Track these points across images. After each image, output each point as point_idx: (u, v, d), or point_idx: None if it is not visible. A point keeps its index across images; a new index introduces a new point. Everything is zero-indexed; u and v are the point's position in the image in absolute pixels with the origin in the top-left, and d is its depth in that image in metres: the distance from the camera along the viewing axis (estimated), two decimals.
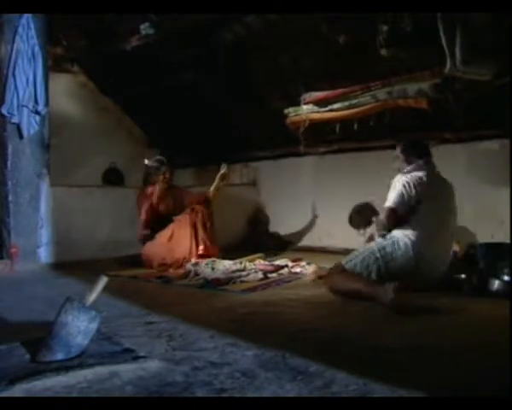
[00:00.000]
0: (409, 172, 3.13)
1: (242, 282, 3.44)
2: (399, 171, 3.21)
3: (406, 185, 3.04)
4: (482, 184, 4.17)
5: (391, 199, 3.05)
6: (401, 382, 1.50)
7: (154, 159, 4.81)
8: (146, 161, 6.07)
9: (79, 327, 1.70)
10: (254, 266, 3.99)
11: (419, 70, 3.86)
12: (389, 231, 3.09)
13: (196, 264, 3.95)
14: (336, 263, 3.14)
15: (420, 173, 3.11)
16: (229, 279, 3.46)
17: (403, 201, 3.02)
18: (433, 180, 3.14)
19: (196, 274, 3.72)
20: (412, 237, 2.96)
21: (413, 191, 3.02)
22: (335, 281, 2.99)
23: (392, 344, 1.98)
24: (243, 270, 3.81)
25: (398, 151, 3.27)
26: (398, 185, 3.07)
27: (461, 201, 4.28)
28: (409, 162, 3.17)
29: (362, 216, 3.68)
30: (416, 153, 3.20)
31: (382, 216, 3.12)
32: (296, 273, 3.78)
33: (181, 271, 3.93)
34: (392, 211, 3.03)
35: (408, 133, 4.44)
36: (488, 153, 4.18)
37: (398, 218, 3.03)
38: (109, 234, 4.88)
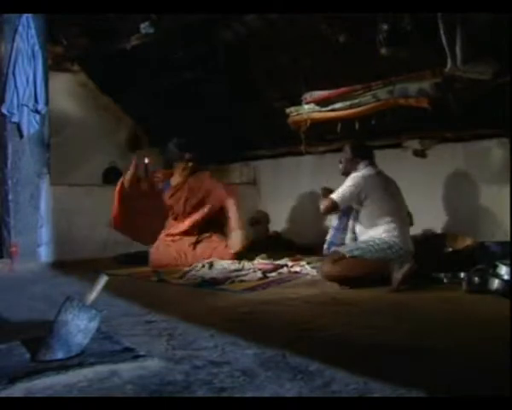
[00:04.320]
0: (357, 170, 3.47)
1: (241, 281, 3.44)
2: (344, 173, 3.55)
3: (356, 182, 3.36)
4: (482, 183, 4.17)
5: (338, 192, 3.36)
6: (401, 381, 1.50)
7: (175, 142, 4.46)
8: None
9: (79, 326, 1.70)
10: (253, 265, 3.99)
11: (420, 69, 3.86)
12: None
13: (195, 268, 3.93)
14: (333, 253, 3.35)
15: (364, 171, 3.44)
16: (226, 278, 3.46)
17: (349, 196, 3.34)
18: (385, 178, 3.50)
19: (193, 274, 3.72)
20: (396, 239, 3.25)
21: (363, 187, 3.34)
22: (341, 267, 3.17)
23: (392, 344, 1.98)
24: (242, 269, 3.80)
25: (346, 153, 3.59)
26: (348, 181, 3.39)
27: (461, 200, 4.30)
28: (356, 163, 3.51)
29: None
30: (363, 154, 3.54)
31: (323, 204, 3.39)
32: (296, 273, 3.77)
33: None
34: (333, 203, 3.33)
35: (409, 133, 4.45)
36: (488, 152, 4.18)
37: (335, 209, 3.38)
38: (109, 233, 4.88)
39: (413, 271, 3.04)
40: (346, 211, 3.49)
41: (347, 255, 3.22)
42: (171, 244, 4.33)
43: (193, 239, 4.35)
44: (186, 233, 4.40)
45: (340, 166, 3.63)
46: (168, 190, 4.51)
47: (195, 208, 4.43)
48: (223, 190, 4.46)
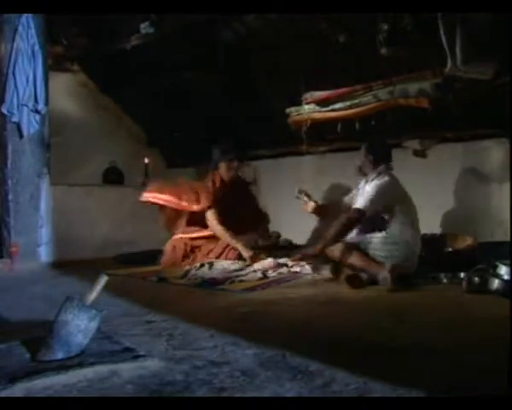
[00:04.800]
0: (377, 176, 3.39)
1: (241, 281, 3.43)
2: (361, 173, 3.50)
3: (380, 190, 3.28)
4: (482, 183, 4.17)
5: (361, 201, 3.28)
6: (401, 381, 1.50)
7: (217, 144, 4.45)
8: (146, 160, 6.07)
9: (79, 326, 1.70)
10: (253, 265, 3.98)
11: (420, 69, 3.86)
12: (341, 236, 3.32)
13: (195, 267, 3.92)
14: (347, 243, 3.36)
15: (387, 178, 3.35)
16: (226, 279, 3.46)
17: (374, 205, 3.26)
18: (398, 182, 3.43)
19: (194, 274, 3.71)
20: (406, 237, 3.26)
21: (385, 196, 3.29)
22: (338, 251, 3.27)
23: (392, 344, 1.98)
24: (242, 269, 3.80)
25: (364, 153, 3.48)
26: (372, 190, 3.29)
27: (461, 200, 4.30)
28: (375, 166, 3.42)
29: None
30: (383, 156, 3.46)
31: (346, 217, 3.31)
32: (296, 273, 3.77)
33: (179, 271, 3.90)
34: (360, 212, 3.25)
35: (409, 133, 4.46)
36: (488, 152, 4.18)
37: (362, 217, 3.26)
38: (109, 233, 4.89)
39: (399, 268, 3.06)
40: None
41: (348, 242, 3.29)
42: (191, 248, 4.28)
43: (212, 246, 4.32)
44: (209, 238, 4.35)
45: (356, 165, 3.56)
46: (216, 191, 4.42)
47: (233, 210, 4.42)
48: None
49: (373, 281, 3.15)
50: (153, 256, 4.31)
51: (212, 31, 4.86)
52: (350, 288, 3.10)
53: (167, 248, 4.27)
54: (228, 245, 4.30)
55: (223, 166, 4.42)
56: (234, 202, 4.42)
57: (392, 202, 3.31)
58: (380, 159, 3.43)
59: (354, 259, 3.24)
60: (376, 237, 3.29)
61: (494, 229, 4.02)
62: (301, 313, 2.56)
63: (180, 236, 4.32)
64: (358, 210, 3.26)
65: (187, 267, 3.88)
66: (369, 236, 3.34)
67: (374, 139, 3.63)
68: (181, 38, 4.94)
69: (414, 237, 3.32)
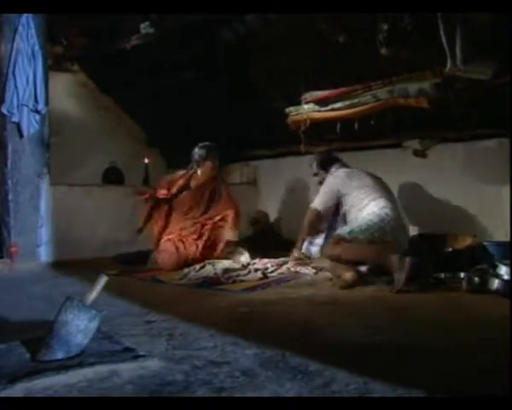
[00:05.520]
0: (329, 175, 3.89)
1: (242, 281, 3.44)
2: (320, 183, 3.95)
3: (329, 183, 3.78)
4: (482, 183, 4.17)
5: (316, 200, 3.79)
6: (401, 381, 1.50)
7: (201, 145, 4.52)
8: (146, 160, 6.06)
9: (79, 326, 1.70)
10: (253, 265, 3.98)
11: (419, 69, 3.86)
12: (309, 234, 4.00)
13: (195, 269, 3.91)
14: (334, 237, 3.49)
15: (340, 170, 3.85)
16: (227, 278, 3.46)
17: (327, 198, 3.75)
18: (360, 171, 3.82)
19: (194, 275, 3.71)
20: (388, 211, 3.44)
21: (338, 184, 3.70)
22: (341, 249, 3.30)
23: (392, 344, 1.98)
24: (242, 269, 3.80)
25: (314, 165, 4.07)
26: (323, 187, 3.83)
27: (461, 200, 4.30)
28: (326, 171, 3.94)
29: None
30: (329, 162, 3.97)
31: (305, 219, 3.86)
32: (296, 273, 3.77)
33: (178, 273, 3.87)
34: (315, 211, 3.78)
35: (409, 133, 4.45)
36: (488, 152, 4.18)
37: (319, 217, 3.80)
38: (109, 233, 4.88)
39: (415, 266, 2.99)
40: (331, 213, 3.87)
41: (347, 237, 3.34)
42: (180, 245, 4.21)
43: (197, 234, 4.28)
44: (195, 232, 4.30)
45: (315, 178, 4.08)
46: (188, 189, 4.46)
47: (210, 208, 4.43)
48: (228, 202, 4.51)
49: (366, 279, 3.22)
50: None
51: (212, 31, 4.86)
52: (342, 288, 3.11)
53: (161, 252, 4.17)
54: (201, 224, 4.30)
55: (209, 165, 4.46)
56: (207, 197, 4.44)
57: (348, 187, 3.64)
58: (328, 164, 3.96)
59: (357, 253, 3.27)
60: (363, 222, 3.41)
61: (494, 229, 4.02)
62: (301, 313, 2.56)
63: (168, 237, 4.26)
64: (313, 209, 3.80)
65: (186, 270, 3.86)
66: (358, 222, 3.47)
67: (320, 153, 4.24)
68: (181, 38, 4.93)
69: (394, 210, 3.47)
